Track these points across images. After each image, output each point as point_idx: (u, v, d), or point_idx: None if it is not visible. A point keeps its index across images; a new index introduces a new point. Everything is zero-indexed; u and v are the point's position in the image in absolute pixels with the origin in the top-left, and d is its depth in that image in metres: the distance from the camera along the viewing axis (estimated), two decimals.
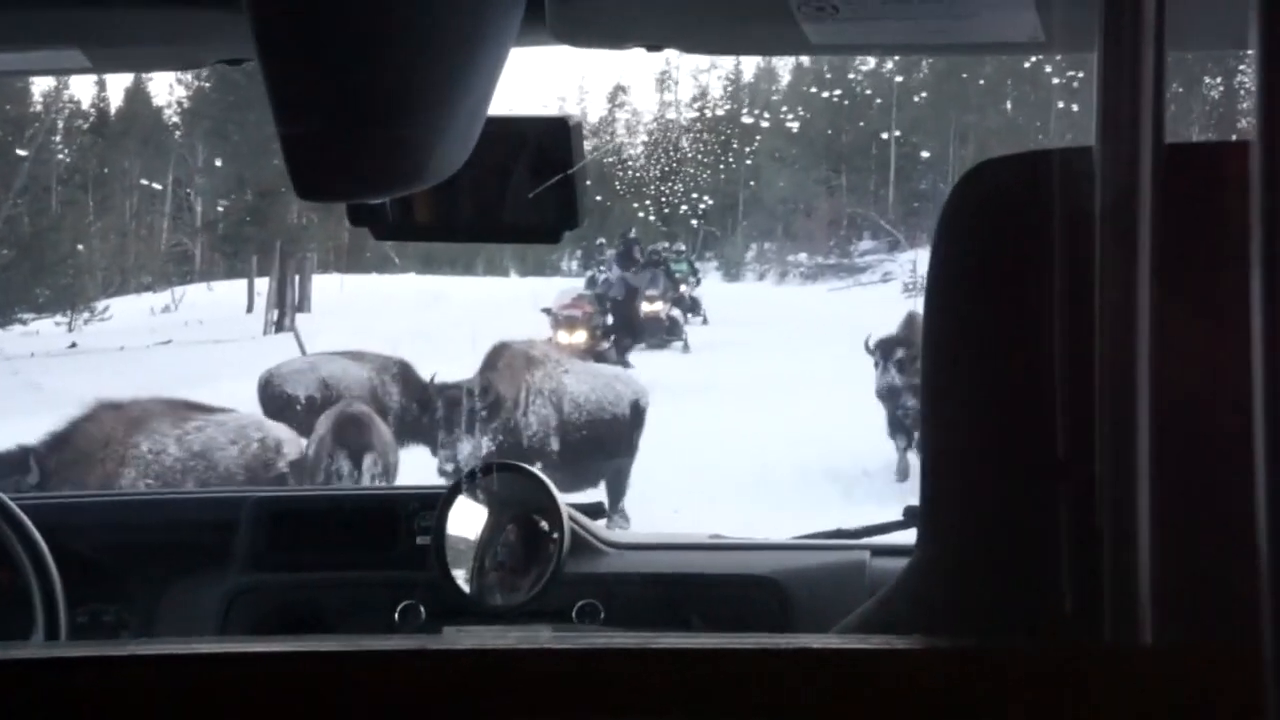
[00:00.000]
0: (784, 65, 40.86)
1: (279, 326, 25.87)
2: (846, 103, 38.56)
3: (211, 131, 30.18)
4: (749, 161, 39.28)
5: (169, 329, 26.21)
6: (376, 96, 1.10)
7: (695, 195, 38.20)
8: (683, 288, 23.98)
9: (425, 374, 12.89)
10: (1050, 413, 0.92)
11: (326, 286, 29.55)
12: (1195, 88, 28.76)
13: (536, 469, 2.82)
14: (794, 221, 37.08)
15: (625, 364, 18.57)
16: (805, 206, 36.86)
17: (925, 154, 36.60)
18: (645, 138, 42.22)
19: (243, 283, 29.78)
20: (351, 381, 13.42)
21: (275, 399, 13.42)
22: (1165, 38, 0.85)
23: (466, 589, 2.68)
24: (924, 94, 37.21)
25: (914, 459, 11.91)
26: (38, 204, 28.44)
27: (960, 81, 35.78)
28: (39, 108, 29.99)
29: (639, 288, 21.31)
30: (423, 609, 2.78)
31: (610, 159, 38.94)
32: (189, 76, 30.28)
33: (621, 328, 20.17)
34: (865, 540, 2.95)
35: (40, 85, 29.30)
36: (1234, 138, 0.90)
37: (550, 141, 1.65)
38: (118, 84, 35.99)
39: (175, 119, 34.08)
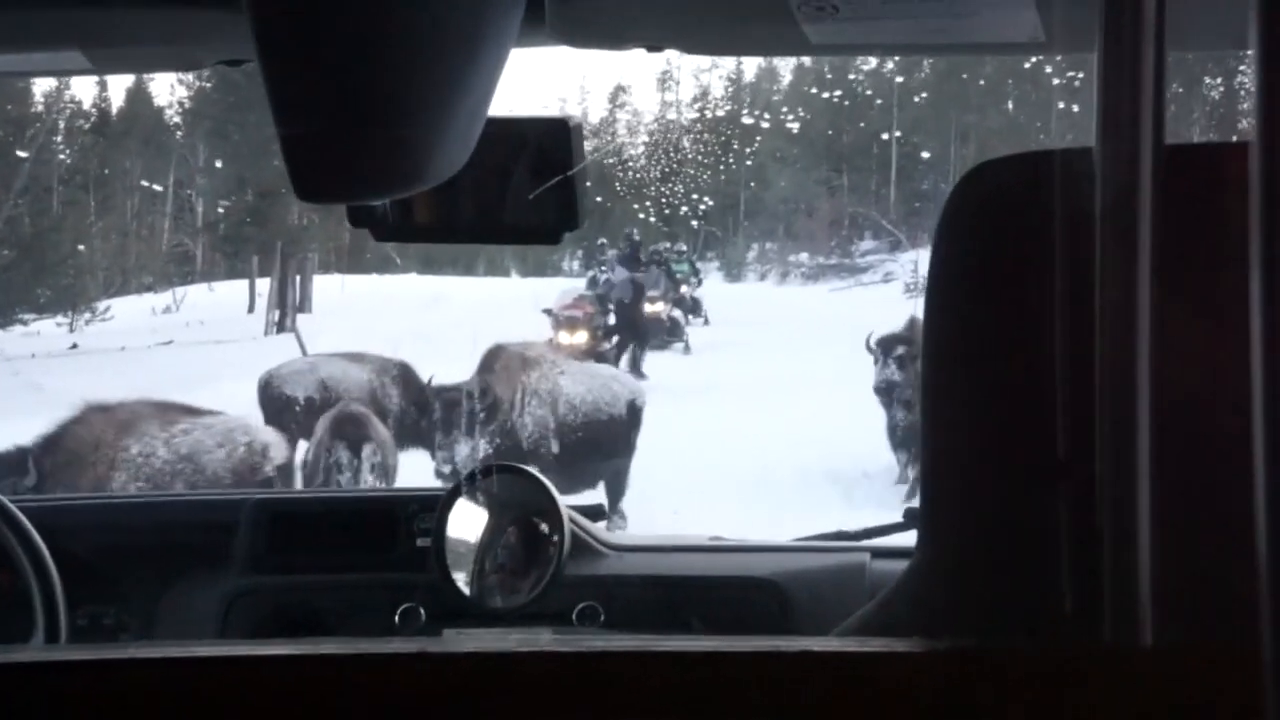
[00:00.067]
0: (785, 65, 40.91)
1: (280, 327, 25.87)
2: (847, 103, 38.59)
3: (212, 132, 30.20)
4: (750, 162, 39.31)
5: (170, 329, 26.22)
6: (376, 97, 1.10)
7: (696, 196, 38.24)
8: (684, 288, 23.98)
9: (426, 375, 12.90)
10: (1050, 413, 0.92)
11: (327, 287, 29.56)
12: (1196, 88, 28.76)
13: (536, 471, 2.82)
14: (795, 222, 37.10)
15: (640, 374, 18.55)
16: (806, 207, 36.89)
17: (926, 154, 36.62)
18: (646, 138, 42.28)
19: (244, 283, 29.79)
20: (351, 383, 13.42)
21: (274, 400, 13.43)
22: (1165, 38, 0.85)
23: (467, 591, 2.67)
24: (925, 94, 37.23)
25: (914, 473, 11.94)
26: (39, 204, 28.46)
27: (961, 82, 35.79)
28: (40, 108, 30.05)
29: (645, 288, 21.23)
30: (423, 611, 2.78)
31: (611, 159, 38.97)
32: (190, 77, 30.27)
33: (628, 330, 20.04)
34: (865, 542, 2.95)
35: (41, 86, 29.35)
36: (1234, 138, 0.90)
37: (550, 142, 1.65)
38: (119, 84, 36.05)
39: (176, 119, 34.13)
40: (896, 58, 30.84)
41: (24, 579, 2.52)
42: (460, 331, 14.78)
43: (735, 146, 39.51)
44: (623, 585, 2.79)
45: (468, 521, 2.70)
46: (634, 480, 11.98)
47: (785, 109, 40.15)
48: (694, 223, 38.17)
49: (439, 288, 30.28)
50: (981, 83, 35.69)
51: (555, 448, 11.82)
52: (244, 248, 29.81)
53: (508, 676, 0.90)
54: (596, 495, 11.14)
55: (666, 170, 38.85)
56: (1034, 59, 26.90)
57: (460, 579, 2.67)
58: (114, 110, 35.76)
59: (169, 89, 38.57)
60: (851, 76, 38.25)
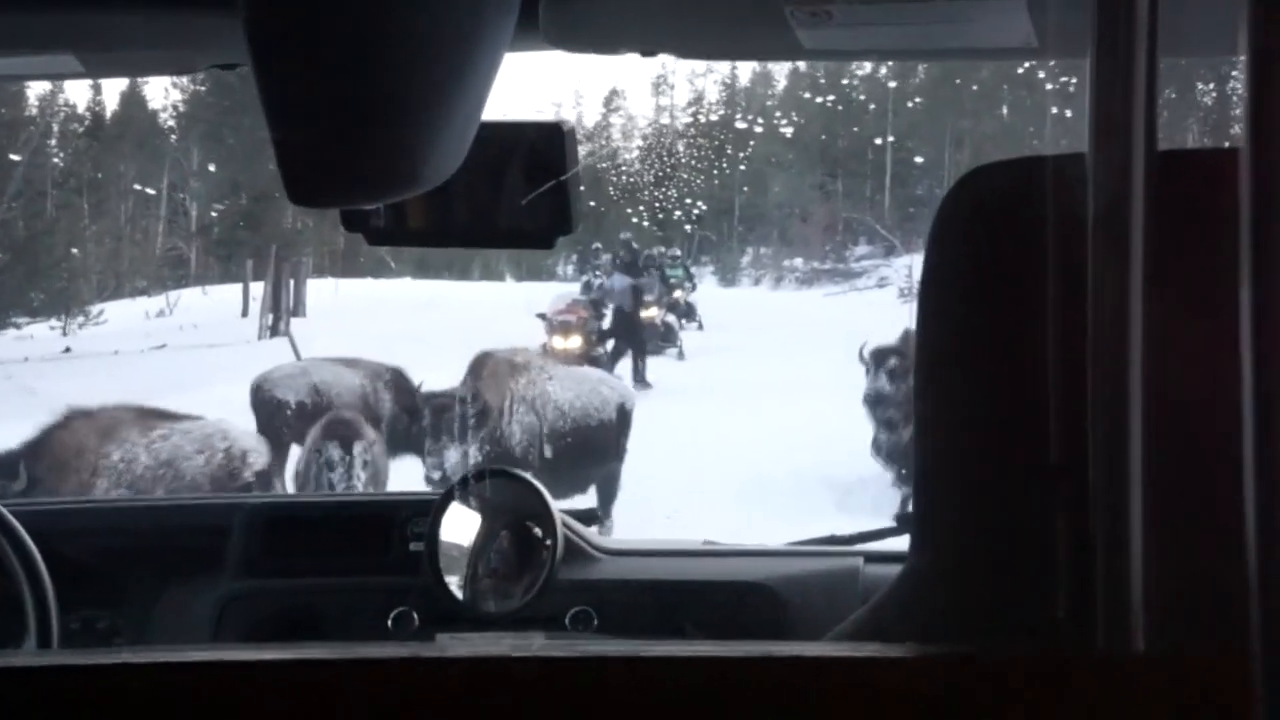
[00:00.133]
0: (780, 70, 40.96)
1: (274, 331, 25.86)
2: (841, 108, 38.61)
3: (206, 136, 30.19)
4: (744, 167, 39.33)
5: (163, 333, 26.19)
6: (370, 102, 1.10)
7: (690, 200, 38.24)
8: (677, 293, 23.97)
9: (419, 380, 12.89)
10: (1044, 418, 0.92)
11: (321, 291, 29.55)
12: (1189, 94, 28.80)
13: (529, 475, 2.82)
14: (790, 226, 37.14)
15: (645, 384, 18.56)
16: (801, 211, 36.91)
17: (920, 159, 36.63)
18: (640, 143, 42.28)
19: (237, 287, 29.78)
20: (343, 388, 13.41)
21: (266, 404, 13.42)
22: (1158, 43, 0.85)
23: (460, 595, 2.68)
24: (919, 99, 37.26)
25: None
26: (32, 208, 28.45)
27: (955, 87, 35.82)
28: (34, 111, 30.02)
29: (645, 295, 21.19)
30: (416, 615, 2.78)
31: (605, 164, 38.97)
32: (184, 81, 30.25)
33: (627, 337, 19.97)
34: (859, 546, 2.95)
35: (35, 89, 29.35)
36: (1227, 144, 0.90)
37: (544, 146, 1.65)
38: (113, 88, 36.06)
39: (171, 123, 34.11)
40: (890, 63, 30.88)
41: (16, 583, 2.51)
42: (453, 336, 14.78)
43: (729, 151, 39.54)
44: (616, 590, 2.79)
45: (461, 526, 2.70)
46: (627, 485, 11.97)
47: (779, 113, 40.18)
48: (688, 227, 38.18)
49: (433, 292, 30.28)
50: (975, 88, 35.72)
51: (545, 453, 11.81)
52: (238, 251, 29.79)
53: (501, 681, 0.90)
54: (588, 500, 11.13)
55: (661, 175, 38.87)
56: (1028, 64, 26.93)
57: (453, 583, 2.67)
58: (108, 114, 35.77)
59: (163, 92, 38.63)
60: (845, 81, 38.29)
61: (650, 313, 21.58)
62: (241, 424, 12.17)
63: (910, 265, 28.46)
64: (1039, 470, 0.93)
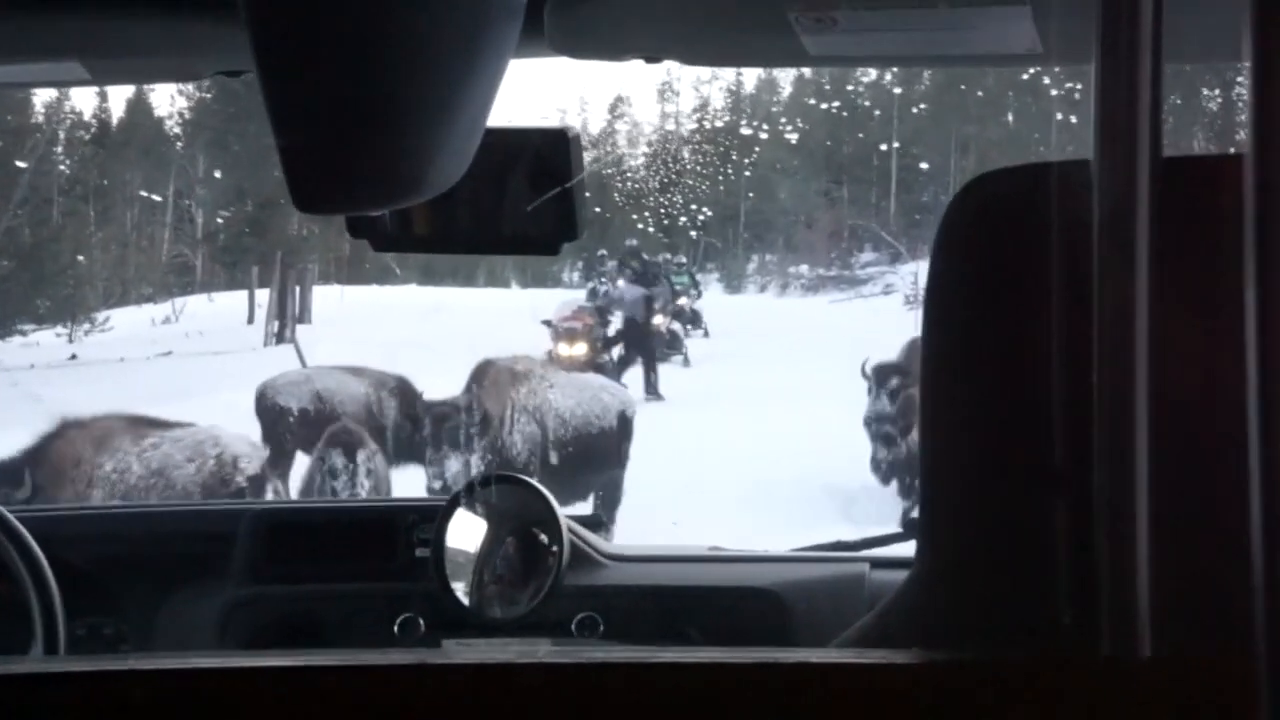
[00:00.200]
0: (785, 77, 40.96)
1: (279, 338, 25.86)
2: (846, 114, 38.60)
3: (212, 142, 30.21)
4: (749, 173, 39.32)
5: (169, 340, 26.20)
6: (375, 108, 1.10)
7: (695, 207, 38.24)
8: (683, 300, 23.93)
9: (423, 385, 12.89)
10: (1049, 424, 0.92)
11: (327, 298, 29.56)
12: (1194, 99, 28.78)
13: (535, 481, 2.82)
14: (795, 233, 37.11)
15: (657, 395, 18.56)
16: (806, 218, 36.89)
17: (925, 165, 36.60)
18: (645, 149, 42.28)
19: (243, 294, 29.77)
20: (347, 397, 13.42)
21: (270, 411, 13.43)
22: (1162, 50, 0.85)
23: (466, 601, 2.68)
24: (924, 105, 37.25)
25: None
26: (39, 215, 28.46)
27: (960, 93, 35.81)
28: (40, 119, 30.05)
29: (655, 304, 21.13)
30: (422, 621, 2.78)
31: (610, 170, 38.99)
32: (190, 88, 30.32)
33: (638, 347, 19.90)
34: (865, 552, 2.95)
35: (42, 96, 29.36)
36: (1232, 149, 0.90)
37: (549, 153, 1.65)
38: (119, 95, 36.05)
39: (176, 130, 34.13)
40: (895, 69, 30.88)
41: (23, 590, 2.52)
42: (459, 342, 14.78)
43: (735, 157, 39.53)
44: (622, 596, 2.79)
45: (467, 532, 2.70)
46: (632, 492, 11.97)
47: (784, 120, 40.18)
48: (693, 233, 38.17)
49: (438, 298, 30.28)
50: (980, 94, 35.70)
51: (547, 461, 11.81)
52: (243, 258, 29.79)
53: (507, 688, 0.90)
54: (590, 507, 11.12)
55: (666, 181, 38.87)
56: (1033, 70, 26.94)
57: (459, 589, 2.67)
58: (114, 121, 35.79)
59: (169, 100, 38.62)
60: (851, 88, 38.28)
61: (656, 320, 21.57)
62: (247, 431, 12.19)
63: (916, 272, 28.41)
64: (1045, 475, 0.93)
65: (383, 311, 27.31)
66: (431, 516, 2.74)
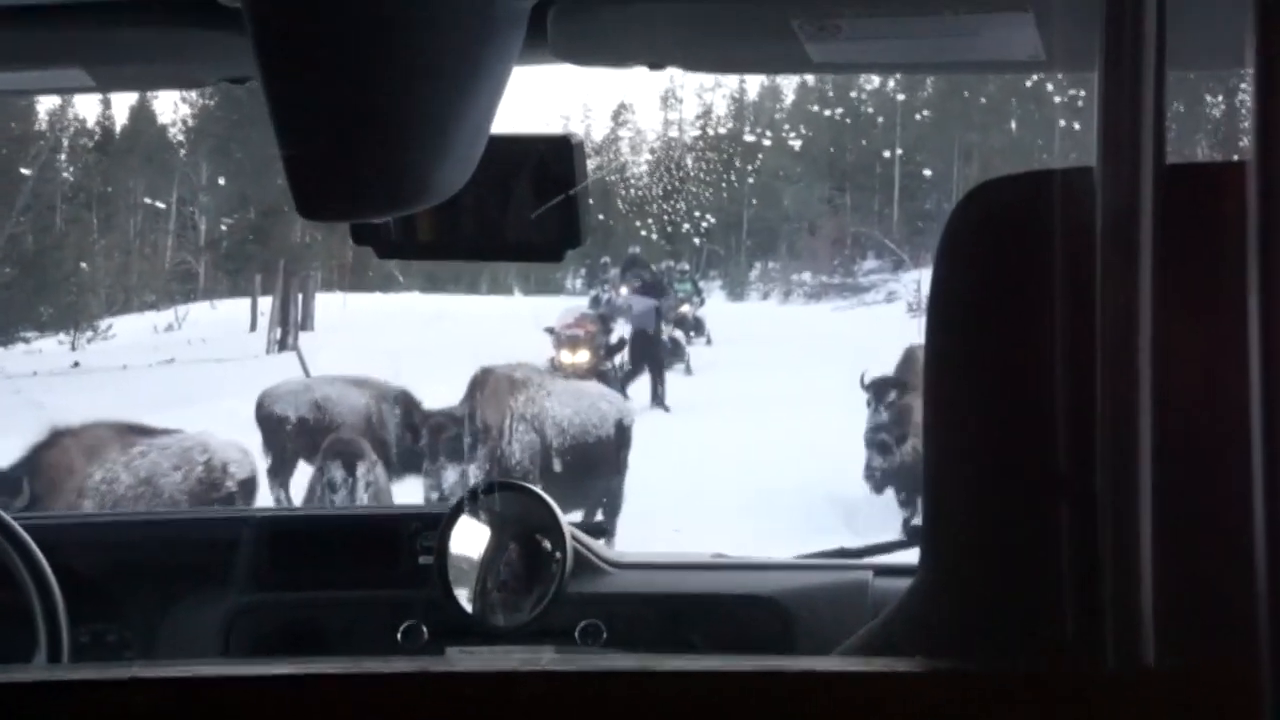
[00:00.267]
0: (788, 84, 40.88)
1: (282, 345, 25.87)
2: (849, 121, 38.57)
3: (215, 150, 30.19)
4: (752, 180, 39.28)
5: (172, 347, 26.21)
6: (379, 116, 1.11)
7: (699, 213, 38.19)
8: (685, 307, 23.90)
9: (425, 393, 12.87)
10: (1052, 433, 0.92)
11: (330, 305, 29.56)
12: (1198, 107, 28.76)
13: (538, 488, 2.82)
14: (798, 240, 37.06)
15: (664, 407, 18.59)
16: (809, 225, 36.85)
17: (928, 172, 36.55)
18: (649, 156, 42.22)
19: (246, 301, 29.77)
20: (346, 407, 13.41)
21: (268, 420, 13.43)
22: (1166, 57, 0.85)
23: (469, 609, 2.68)
24: (927, 112, 37.21)
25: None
26: (42, 222, 28.45)
27: (963, 100, 35.77)
28: (44, 126, 30.06)
29: (664, 314, 21.09)
30: (425, 629, 2.78)
31: (613, 177, 38.96)
32: (193, 95, 30.29)
33: (647, 358, 19.86)
34: (868, 560, 2.95)
35: (45, 104, 29.34)
36: (1235, 157, 0.90)
37: (553, 160, 1.65)
38: (122, 102, 36.00)
39: (180, 137, 34.12)
40: (899, 76, 30.87)
41: (27, 597, 2.52)
42: (462, 350, 14.76)
43: (738, 164, 39.48)
44: (625, 603, 2.79)
45: (470, 539, 2.70)
46: (634, 499, 11.97)
47: (787, 127, 40.15)
48: (697, 240, 38.13)
49: (441, 306, 30.27)
50: (984, 101, 35.67)
51: (545, 469, 11.80)
52: (246, 265, 29.78)
53: (510, 695, 0.90)
54: (589, 516, 11.12)
55: (670, 188, 38.82)
56: (1036, 77, 26.92)
57: (463, 596, 2.67)
58: (117, 128, 35.77)
59: (172, 107, 38.55)
60: (854, 94, 38.25)
61: (664, 331, 21.54)
62: (248, 439, 12.18)
63: (919, 280, 28.38)
64: (1049, 484, 0.93)
65: (385, 319, 27.32)
66: (435, 524, 2.75)
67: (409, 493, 11.65)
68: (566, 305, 22.86)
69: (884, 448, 12.32)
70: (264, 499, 11.31)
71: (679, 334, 22.71)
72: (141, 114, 35.29)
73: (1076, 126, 27.68)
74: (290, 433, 13.07)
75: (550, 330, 19.10)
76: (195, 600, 2.93)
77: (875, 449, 12.41)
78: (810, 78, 35.74)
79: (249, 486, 10.52)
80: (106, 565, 2.95)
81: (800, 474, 13.00)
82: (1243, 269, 0.75)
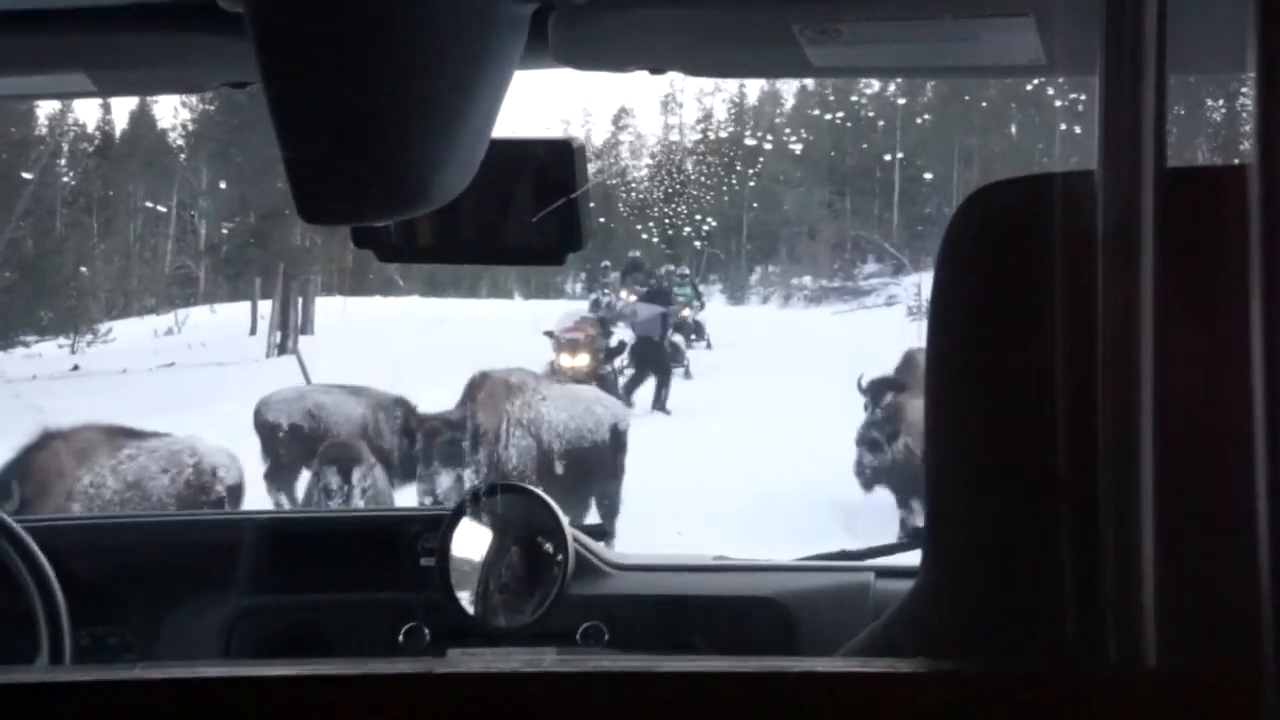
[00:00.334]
0: (788, 88, 40.90)
1: (282, 349, 25.87)
2: (850, 125, 38.57)
3: (215, 154, 30.19)
4: (752, 184, 39.28)
5: (172, 351, 26.21)
6: (380, 119, 1.11)
7: (699, 217, 38.19)
8: (685, 312, 23.89)
9: (423, 397, 12.87)
10: (1054, 435, 0.92)
11: (330, 309, 29.56)
12: (1198, 111, 28.75)
13: (540, 491, 2.82)
14: (798, 244, 37.07)
15: (665, 410, 18.61)
16: (809, 229, 36.85)
17: (929, 175, 36.53)
18: (649, 160, 42.23)
19: (246, 305, 29.77)
20: (343, 415, 13.40)
21: (264, 427, 13.43)
22: (1166, 61, 0.85)
23: (471, 611, 2.68)
24: (927, 116, 37.21)
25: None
26: (41, 226, 28.45)
27: (964, 104, 35.77)
28: (44, 130, 30.07)
29: (670, 321, 21.08)
30: (427, 631, 2.78)
31: (614, 181, 38.97)
32: (193, 99, 30.30)
33: (651, 365, 19.83)
34: (869, 562, 2.95)
35: (45, 108, 29.38)
36: (1236, 160, 0.90)
37: (554, 163, 1.65)
38: (122, 107, 36.01)
39: (179, 142, 34.13)
40: (899, 80, 30.87)
41: (29, 599, 2.52)
42: (462, 354, 14.76)
43: (739, 168, 39.48)
44: (627, 605, 2.79)
45: (472, 541, 2.71)
46: (634, 503, 11.97)
47: (788, 130, 40.13)
48: (698, 244, 38.13)
49: (441, 310, 30.27)
50: (984, 105, 35.67)
51: (543, 473, 11.80)
52: (246, 269, 29.77)
53: (512, 697, 0.90)
54: (588, 519, 11.12)
55: (670, 192, 38.83)
56: (1036, 81, 26.92)
57: (464, 598, 2.68)
58: (117, 133, 35.78)
59: (172, 111, 38.65)
60: (854, 99, 38.24)
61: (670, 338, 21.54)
62: (248, 444, 12.18)
63: (919, 283, 28.37)
64: (1050, 486, 0.93)
65: (385, 323, 27.32)
66: (436, 526, 2.75)
67: (409, 499, 11.64)
68: (567, 309, 22.86)
69: (875, 445, 12.31)
70: (254, 506, 11.27)
71: (679, 338, 22.70)
72: (141, 118, 35.31)
73: (1077, 130, 27.68)
74: (288, 440, 13.08)
75: (550, 334, 19.11)
76: (196, 603, 2.93)
77: (866, 446, 12.40)
78: (810, 82, 35.77)
79: (236, 492, 10.50)
80: (108, 568, 2.95)
81: (800, 478, 13.00)
82: (1244, 272, 0.75)
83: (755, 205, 39.00)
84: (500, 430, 12.02)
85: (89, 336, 27.78)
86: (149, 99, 32.49)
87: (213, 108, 29.55)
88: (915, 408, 12.36)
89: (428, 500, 11.01)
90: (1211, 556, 0.90)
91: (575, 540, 2.72)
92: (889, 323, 25.52)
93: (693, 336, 23.81)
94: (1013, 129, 36.00)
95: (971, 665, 0.92)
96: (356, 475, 10.50)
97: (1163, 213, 0.85)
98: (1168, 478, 0.86)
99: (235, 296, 31.48)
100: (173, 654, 2.90)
